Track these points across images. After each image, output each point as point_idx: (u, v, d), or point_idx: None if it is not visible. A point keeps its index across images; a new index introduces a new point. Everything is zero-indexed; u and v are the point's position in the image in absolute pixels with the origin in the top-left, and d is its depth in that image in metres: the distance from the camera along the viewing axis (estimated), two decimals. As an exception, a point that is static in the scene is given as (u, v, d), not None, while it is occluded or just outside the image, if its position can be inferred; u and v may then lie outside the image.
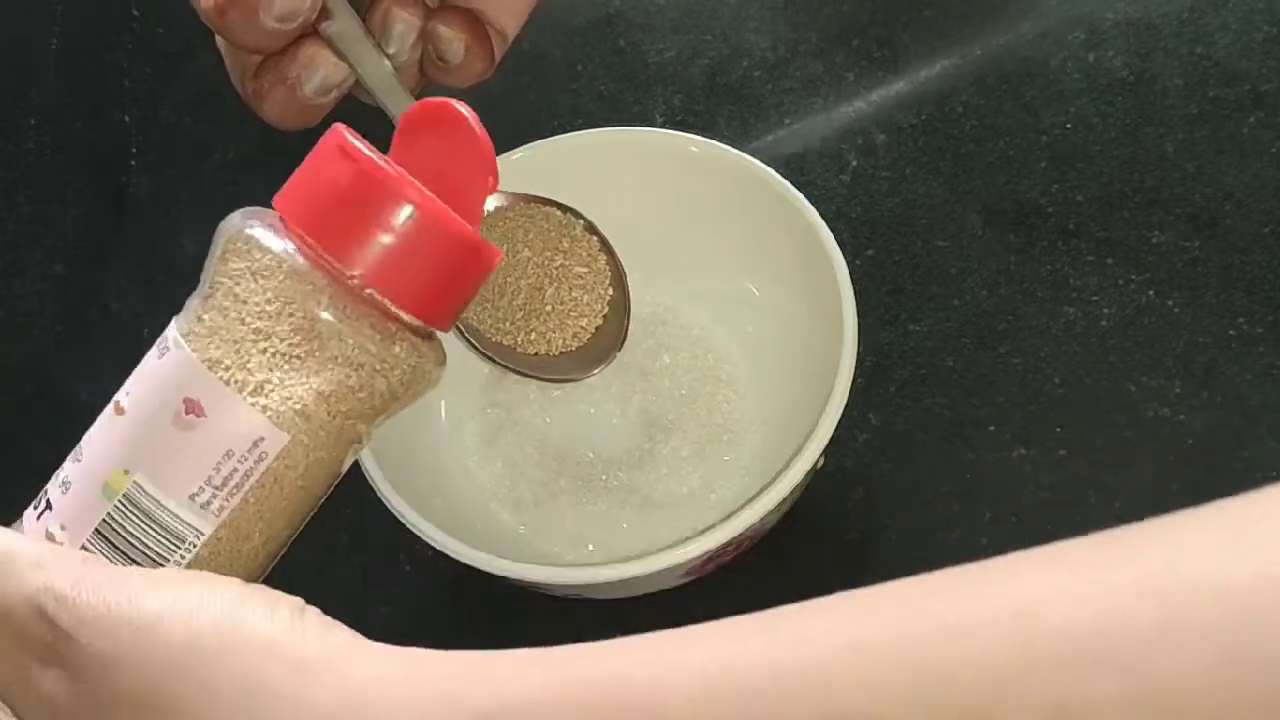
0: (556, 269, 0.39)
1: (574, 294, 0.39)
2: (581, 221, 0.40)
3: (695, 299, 0.46)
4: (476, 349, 0.39)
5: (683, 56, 0.56)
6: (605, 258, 0.40)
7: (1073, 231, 0.48)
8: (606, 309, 0.40)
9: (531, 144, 0.44)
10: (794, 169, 0.51)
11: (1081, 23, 0.54)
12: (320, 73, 0.37)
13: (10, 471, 0.48)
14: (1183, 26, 0.54)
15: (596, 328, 0.40)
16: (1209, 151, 0.50)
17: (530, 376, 0.39)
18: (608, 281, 0.40)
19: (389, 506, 0.38)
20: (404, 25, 0.37)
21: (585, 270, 0.40)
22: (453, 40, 0.37)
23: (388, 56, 0.37)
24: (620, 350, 0.40)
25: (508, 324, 0.39)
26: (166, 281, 0.53)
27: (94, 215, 0.56)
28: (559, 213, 0.40)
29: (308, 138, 0.57)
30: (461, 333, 0.39)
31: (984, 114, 0.52)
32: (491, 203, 0.40)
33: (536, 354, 0.40)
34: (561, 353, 0.39)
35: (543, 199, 0.40)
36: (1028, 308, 0.47)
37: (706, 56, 0.56)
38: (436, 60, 0.38)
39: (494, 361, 0.39)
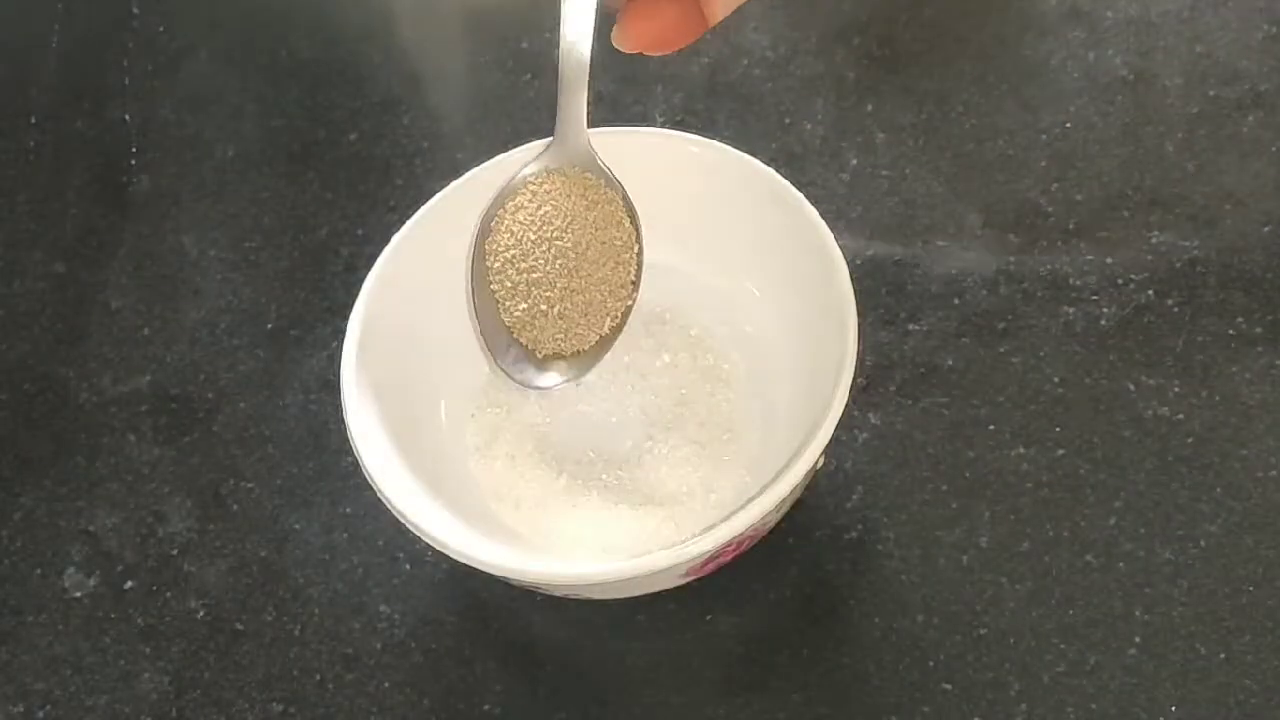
0: (583, 277, 0.39)
1: (579, 308, 0.39)
2: (631, 229, 0.40)
3: (695, 299, 0.46)
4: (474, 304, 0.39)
5: (683, 56, 0.56)
6: (635, 270, 0.39)
7: (1073, 231, 0.48)
8: (609, 328, 0.39)
9: (531, 144, 0.44)
10: (794, 169, 0.51)
11: (1081, 22, 0.54)
12: None
13: (10, 471, 0.48)
14: (1183, 26, 0.54)
15: (592, 343, 0.39)
16: (1209, 151, 0.50)
17: (503, 371, 0.39)
18: (626, 297, 0.39)
19: (389, 506, 0.38)
20: None
21: (603, 288, 0.39)
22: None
23: None
24: (600, 359, 0.39)
25: (509, 287, 0.39)
26: (166, 281, 0.53)
27: (94, 215, 0.56)
28: (621, 207, 0.39)
29: (304, 141, 0.57)
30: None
31: (984, 114, 0.52)
32: (555, 159, 0.39)
33: (525, 344, 0.39)
34: (550, 354, 0.39)
35: (608, 176, 0.39)
36: (1027, 307, 0.47)
37: (706, 56, 0.56)
38: None
39: (482, 333, 0.39)
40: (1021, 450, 0.44)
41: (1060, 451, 0.43)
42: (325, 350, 0.49)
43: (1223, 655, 0.39)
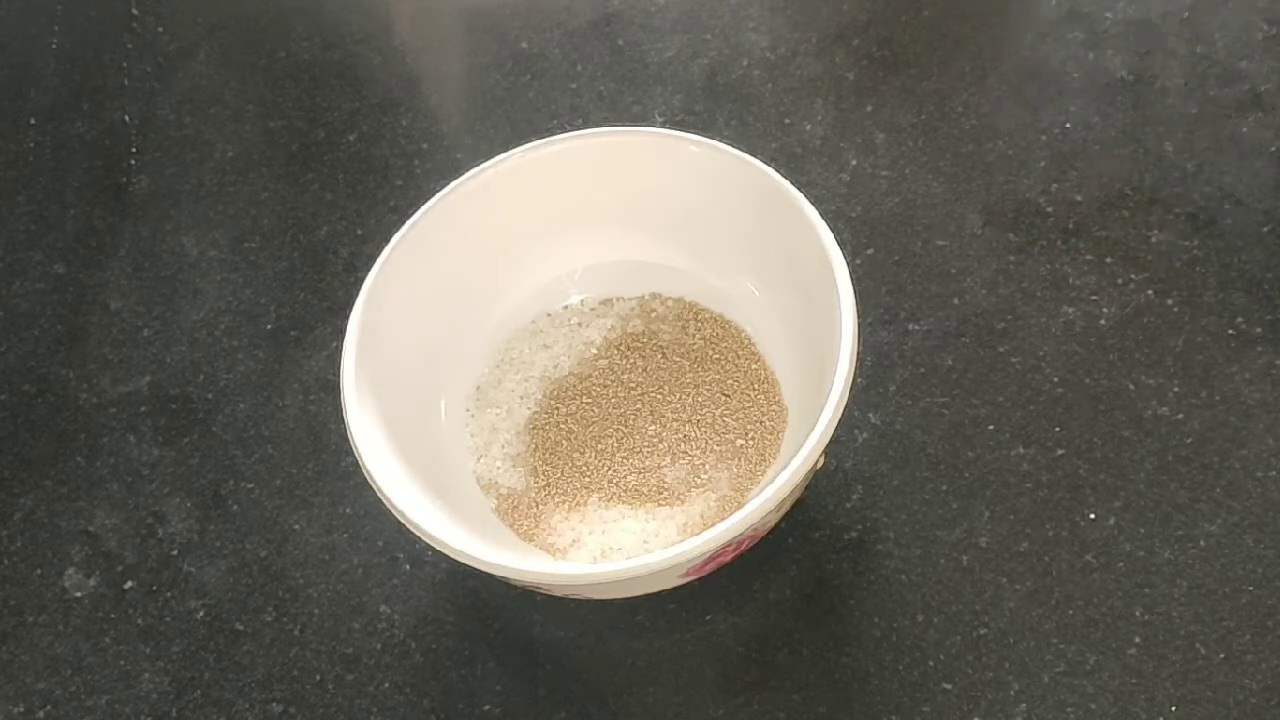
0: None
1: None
2: None
3: (695, 298, 0.46)
4: None
5: (683, 56, 0.56)
6: None
7: (1072, 231, 0.48)
8: None
9: (531, 144, 0.44)
10: (794, 169, 0.51)
11: (1081, 23, 0.54)
12: None
13: (10, 471, 0.48)
14: (1183, 26, 0.54)
15: None
16: (1209, 151, 0.50)
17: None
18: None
19: (389, 506, 0.38)
20: None
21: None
22: None
23: None
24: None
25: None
26: (166, 282, 0.53)
27: (94, 215, 0.56)
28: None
29: (303, 142, 0.56)
30: None
31: (984, 114, 0.52)
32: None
33: None
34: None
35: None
36: (1027, 307, 0.47)
37: (706, 56, 0.56)
38: None
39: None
40: (1021, 450, 0.44)
41: (1060, 451, 0.43)
42: (325, 350, 0.49)
43: (1223, 655, 0.39)
